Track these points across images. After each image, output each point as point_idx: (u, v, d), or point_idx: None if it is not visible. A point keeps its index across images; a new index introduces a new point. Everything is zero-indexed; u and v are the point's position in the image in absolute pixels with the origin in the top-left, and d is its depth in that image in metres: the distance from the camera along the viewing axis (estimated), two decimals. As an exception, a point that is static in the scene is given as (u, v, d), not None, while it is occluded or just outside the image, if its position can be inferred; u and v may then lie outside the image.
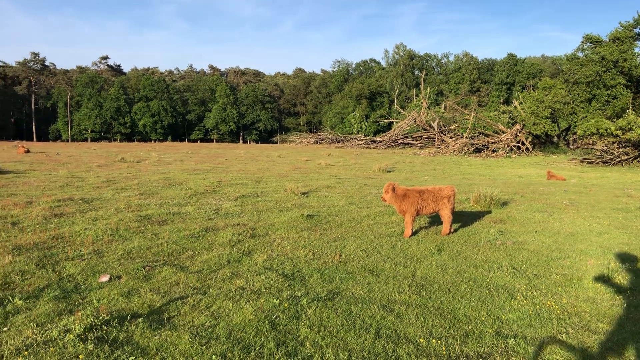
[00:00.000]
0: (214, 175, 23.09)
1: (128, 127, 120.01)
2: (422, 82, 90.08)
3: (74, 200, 14.26)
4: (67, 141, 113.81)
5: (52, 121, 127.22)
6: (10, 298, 6.08)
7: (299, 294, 6.50)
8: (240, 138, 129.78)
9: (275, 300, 6.21)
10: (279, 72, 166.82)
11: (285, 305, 6.08)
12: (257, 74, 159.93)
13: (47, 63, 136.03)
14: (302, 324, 5.60)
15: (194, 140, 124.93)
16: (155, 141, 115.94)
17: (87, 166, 28.83)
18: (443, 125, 67.91)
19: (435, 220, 12.14)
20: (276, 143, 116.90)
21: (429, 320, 5.91)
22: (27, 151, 44.37)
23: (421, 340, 5.37)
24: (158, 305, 5.97)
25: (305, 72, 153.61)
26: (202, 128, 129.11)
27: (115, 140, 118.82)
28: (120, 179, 20.66)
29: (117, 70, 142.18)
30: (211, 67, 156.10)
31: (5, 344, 4.77)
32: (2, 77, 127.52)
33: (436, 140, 65.01)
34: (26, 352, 4.59)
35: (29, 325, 5.24)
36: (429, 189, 10.96)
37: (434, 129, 67.06)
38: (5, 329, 5.21)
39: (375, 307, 6.22)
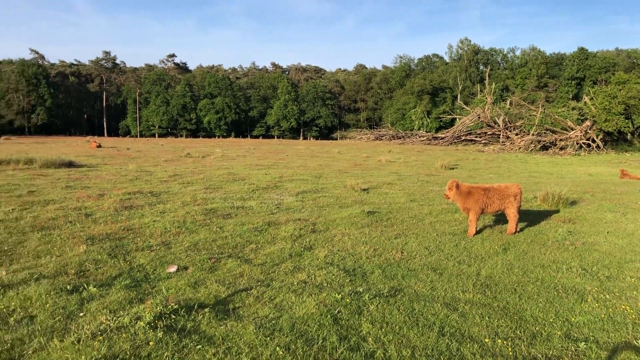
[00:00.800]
0: (276, 171, 23.40)
1: (193, 123, 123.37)
2: (487, 78, 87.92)
3: (143, 193, 14.81)
4: (136, 137, 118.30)
5: (121, 117, 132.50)
6: (85, 285, 6.39)
7: (361, 290, 6.50)
8: (301, 134, 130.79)
9: (337, 295, 6.23)
10: (340, 69, 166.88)
11: (347, 300, 6.09)
12: (318, 71, 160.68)
13: (117, 61, 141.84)
14: (364, 319, 5.59)
15: (256, 137, 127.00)
16: (219, 137, 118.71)
17: (155, 161, 29.87)
18: (508, 121, 65.97)
19: (500, 219, 11.82)
20: (336, 139, 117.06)
21: (494, 320, 5.77)
22: (99, 146, 46.42)
23: (486, 340, 5.25)
24: (223, 296, 6.12)
25: (366, 68, 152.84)
26: (263, 124, 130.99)
27: (181, 136, 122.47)
28: (187, 174, 21.29)
29: (183, 68, 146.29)
30: (273, 64, 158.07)
31: (82, 329, 5.03)
32: (76, 75, 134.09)
33: (501, 137, 63.24)
34: (101, 337, 4.82)
35: (103, 312, 5.49)
36: (495, 187, 10.68)
37: (498, 126, 65.27)
38: (81, 314, 5.48)
39: (439, 305, 6.13)
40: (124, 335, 4.89)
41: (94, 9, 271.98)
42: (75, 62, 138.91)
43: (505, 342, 5.23)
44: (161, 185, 17.13)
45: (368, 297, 6.23)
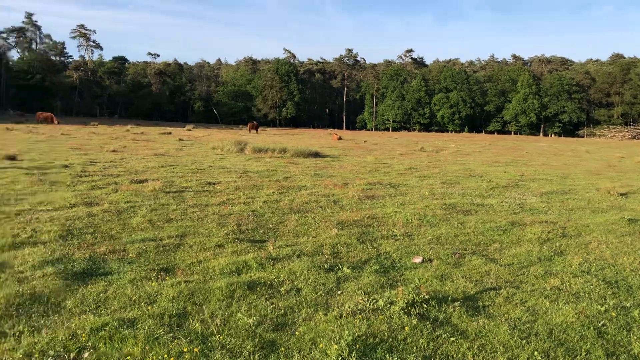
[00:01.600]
0: (515, 169, 22.33)
1: (427, 117, 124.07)
2: None
3: (382, 184, 15.44)
4: (371, 130, 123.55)
5: (359, 111, 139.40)
6: (339, 266, 6.92)
7: (628, 305, 5.82)
8: (541, 130, 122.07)
9: (599, 306, 5.68)
10: (591, 59, 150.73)
11: (612, 314, 5.52)
12: (564, 62, 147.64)
13: (358, 58, 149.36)
14: (635, 337, 5.00)
15: (491, 132, 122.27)
16: (451, 132, 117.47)
17: (391, 154, 30.85)
18: None
19: None
20: (582, 137, 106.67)
21: None
22: (339, 138, 49.60)
23: None
24: (471, 292, 6.06)
25: (624, 58, 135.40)
26: (499, 119, 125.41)
27: (413, 130, 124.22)
28: (422, 167, 21.57)
29: (419, 63, 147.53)
30: (514, 56, 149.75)
31: (342, 306, 5.46)
32: (321, 72, 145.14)
33: None
34: (360, 316, 5.17)
35: (358, 293, 5.88)
36: None
37: None
38: (338, 292, 5.96)
39: None
40: (380, 317, 5.17)
41: (340, 10, 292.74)
42: (320, 60, 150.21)
43: None
44: (399, 177, 17.65)
45: (638, 313, 5.55)
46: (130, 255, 7.15)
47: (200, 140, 37.78)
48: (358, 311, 5.26)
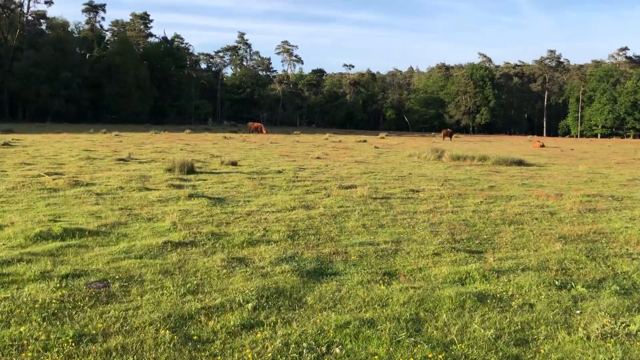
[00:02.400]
0: None
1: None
2: None
3: (603, 196, 14.10)
4: (576, 137, 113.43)
5: (561, 116, 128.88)
6: (572, 284, 6.41)
7: None
8: None
9: None
10: None
11: None
12: None
13: (561, 60, 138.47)
14: None
15: None
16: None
17: (606, 163, 28.12)
18: None
19: None
20: None
21: None
22: (542, 146, 46.55)
23: None
24: None
25: None
26: None
27: (627, 136, 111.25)
28: (648, 179, 19.30)
29: (636, 62, 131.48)
30: None
31: (587, 327, 5.02)
32: (519, 75, 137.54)
33: None
34: (612, 340, 4.69)
35: (601, 314, 5.36)
36: None
37: None
38: (577, 312, 5.51)
39: None
40: (637, 343, 4.65)
41: (539, 9, 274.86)
42: (519, 63, 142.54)
43: None
44: (621, 189, 16.01)
45: None
46: (353, 257, 7.46)
47: (394, 147, 38.34)
48: (608, 334, 4.79)
